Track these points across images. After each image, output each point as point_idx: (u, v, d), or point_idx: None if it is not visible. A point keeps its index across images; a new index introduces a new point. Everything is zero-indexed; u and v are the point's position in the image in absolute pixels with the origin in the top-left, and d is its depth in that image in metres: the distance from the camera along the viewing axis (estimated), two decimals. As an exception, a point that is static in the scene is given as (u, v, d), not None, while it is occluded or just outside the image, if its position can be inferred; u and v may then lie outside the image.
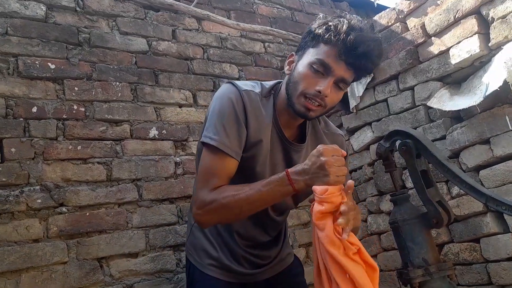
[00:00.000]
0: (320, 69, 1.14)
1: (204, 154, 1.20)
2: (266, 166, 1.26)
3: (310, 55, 1.16)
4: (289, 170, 1.10)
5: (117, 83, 1.91)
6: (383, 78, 2.11)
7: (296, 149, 1.30)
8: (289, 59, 1.26)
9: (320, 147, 1.09)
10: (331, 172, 1.05)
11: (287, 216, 1.48)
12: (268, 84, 1.30)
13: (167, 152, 1.95)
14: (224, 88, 1.25)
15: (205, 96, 2.14)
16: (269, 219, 1.34)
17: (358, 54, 1.11)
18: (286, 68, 1.26)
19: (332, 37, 1.11)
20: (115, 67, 1.93)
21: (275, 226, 1.38)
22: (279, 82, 1.31)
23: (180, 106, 2.07)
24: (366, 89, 2.18)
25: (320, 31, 1.14)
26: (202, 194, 1.15)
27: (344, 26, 1.11)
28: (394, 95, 2.08)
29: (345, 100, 2.31)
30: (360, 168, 2.26)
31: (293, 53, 1.26)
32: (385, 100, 2.12)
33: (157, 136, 1.94)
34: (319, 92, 1.13)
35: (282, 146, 1.28)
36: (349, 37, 1.10)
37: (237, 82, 1.25)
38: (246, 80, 2.32)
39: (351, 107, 2.25)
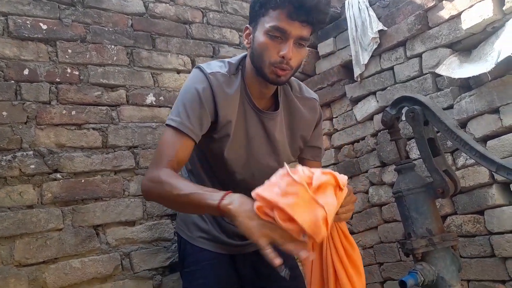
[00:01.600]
0: (277, 34, 1.16)
1: (164, 134, 1.24)
2: (240, 143, 1.29)
3: (264, 24, 1.18)
4: (221, 205, 1.00)
5: (113, 46, 1.83)
6: (389, 45, 2.03)
7: (270, 117, 1.32)
8: (246, 32, 1.27)
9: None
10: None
11: None
12: (234, 60, 1.32)
13: (165, 120, 1.87)
14: (192, 74, 1.28)
15: (204, 61, 2.05)
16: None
17: (307, 10, 1.13)
18: (245, 41, 1.27)
19: (278, 1, 1.13)
20: (110, 29, 1.85)
21: None
22: (245, 56, 1.32)
23: (178, 72, 2.00)
24: (371, 56, 2.10)
25: None
26: (152, 168, 1.19)
27: None
28: (401, 63, 2.00)
29: (349, 68, 2.24)
30: (363, 139, 2.21)
31: (247, 25, 1.26)
32: (391, 68, 2.05)
33: (154, 103, 1.88)
34: (283, 57, 1.16)
35: (257, 117, 1.31)
36: None
37: (204, 65, 1.27)
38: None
39: (355, 76, 2.17)
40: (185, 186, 1.10)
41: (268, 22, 1.16)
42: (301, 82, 1.46)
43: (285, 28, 1.15)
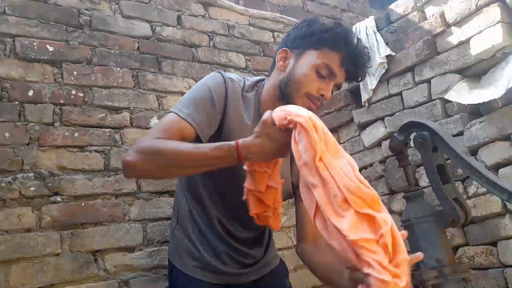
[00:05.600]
0: (324, 73, 1.20)
1: (166, 117, 1.18)
2: None
3: (314, 57, 1.20)
4: (240, 143, 1.02)
5: (118, 69, 1.87)
6: (397, 70, 2.05)
7: None
8: (282, 54, 1.28)
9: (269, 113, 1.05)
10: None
11: None
12: (251, 80, 1.32)
13: (168, 143, 1.91)
14: (210, 75, 1.28)
15: (210, 85, 2.10)
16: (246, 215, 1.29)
17: (358, 64, 1.22)
18: (279, 63, 1.27)
19: (342, 45, 1.18)
20: (117, 52, 1.89)
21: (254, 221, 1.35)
22: (262, 80, 1.33)
23: (183, 94, 2.02)
24: (379, 81, 2.12)
25: (327, 35, 1.19)
26: (141, 141, 1.13)
27: (352, 37, 1.20)
28: (409, 88, 2.02)
29: (356, 93, 2.26)
30: (371, 165, 2.20)
31: (286, 48, 1.27)
32: (400, 94, 2.06)
33: (158, 126, 1.90)
34: (322, 95, 1.21)
35: None
36: (356, 49, 1.20)
37: (223, 71, 1.29)
38: (253, 69, 2.28)
39: (363, 101, 2.19)
40: (192, 150, 1.05)
41: (320, 58, 1.19)
42: None
43: (335, 71, 1.20)
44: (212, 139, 1.20)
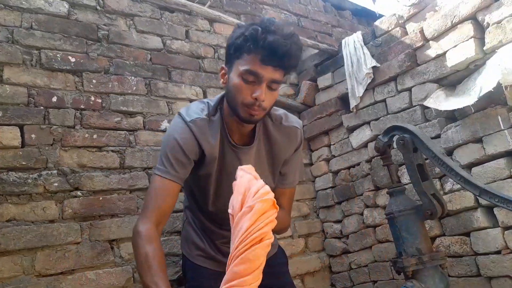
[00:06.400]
0: (250, 78, 1.10)
1: (151, 182, 1.21)
2: (221, 178, 1.26)
3: (238, 67, 1.12)
4: None
5: (133, 78, 1.87)
6: (382, 80, 2.05)
7: (244, 151, 1.26)
8: (221, 72, 1.22)
9: None
10: None
11: None
12: (215, 100, 1.28)
13: (178, 144, 1.91)
14: (173, 122, 1.25)
15: (214, 92, 2.10)
16: None
17: (280, 56, 1.08)
18: (220, 81, 1.23)
19: (252, 47, 1.08)
20: (131, 62, 1.89)
21: None
22: (224, 95, 1.27)
23: (191, 101, 2.02)
24: (366, 90, 2.12)
25: (239, 42, 1.11)
26: (141, 217, 1.16)
27: (259, 33, 1.07)
28: (392, 96, 2.02)
29: (345, 100, 2.26)
30: (358, 164, 2.20)
31: (223, 66, 1.21)
32: (384, 101, 2.06)
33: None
34: (256, 99, 1.11)
35: (234, 153, 1.25)
36: (266, 43, 1.06)
37: (184, 112, 1.23)
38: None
39: (351, 107, 2.19)
40: (149, 269, 1.05)
41: (242, 65, 1.10)
42: (285, 112, 1.35)
43: (258, 72, 1.09)
44: (196, 169, 1.24)
